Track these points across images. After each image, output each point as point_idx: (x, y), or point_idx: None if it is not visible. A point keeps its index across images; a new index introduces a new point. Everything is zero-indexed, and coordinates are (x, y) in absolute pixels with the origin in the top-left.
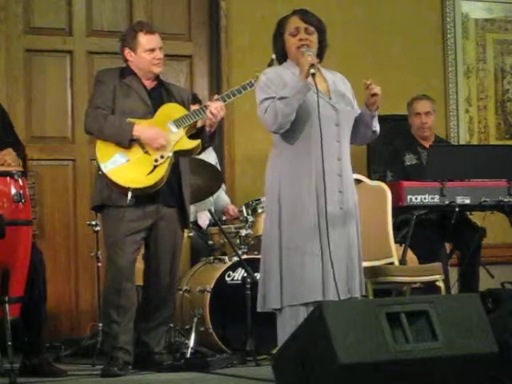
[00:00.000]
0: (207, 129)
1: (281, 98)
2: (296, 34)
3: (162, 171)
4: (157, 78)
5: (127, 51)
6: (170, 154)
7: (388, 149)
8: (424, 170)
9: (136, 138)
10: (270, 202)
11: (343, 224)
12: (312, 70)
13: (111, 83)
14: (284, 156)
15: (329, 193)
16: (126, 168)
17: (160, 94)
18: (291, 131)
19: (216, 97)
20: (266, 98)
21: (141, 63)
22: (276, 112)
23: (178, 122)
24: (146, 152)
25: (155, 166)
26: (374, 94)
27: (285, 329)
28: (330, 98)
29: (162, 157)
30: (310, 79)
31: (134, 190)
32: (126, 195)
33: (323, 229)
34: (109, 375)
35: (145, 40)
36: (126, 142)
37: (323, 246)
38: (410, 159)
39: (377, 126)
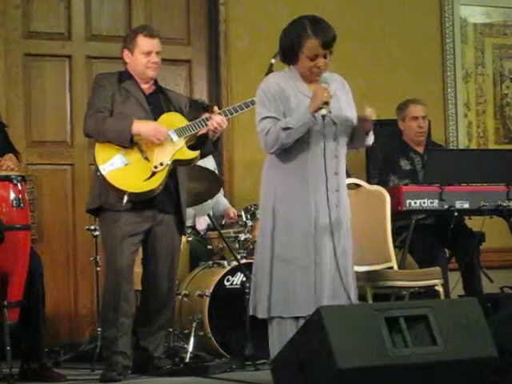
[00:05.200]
0: (210, 137)
1: (285, 129)
2: (314, 59)
3: (159, 178)
4: (155, 83)
5: (126, 52)
6: (169, 162)
7: (380, 154)
8: (418, 175)
9: (135, 133)
10: (264, 213)
11: (338, 237)
12: (323, 111)
13: (110, 87)
14: (280, 167)
15: (326, 207)
16: (123, 171)
17: (158, 99)
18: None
19: (218, 111)
20: (267, 117)
21: (136, 65)
22: (277, 139)
23: (179, 132)
24: (146, 158)
25: (154, 173)
26: (367, 120)
27: (273, 339)
28: (330, 112)
29: (161, 164)
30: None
31: (130, 195)
32: (122, 198)
33: (319, 242)
34: (108, 380)
35: (143, 42)
36: (127, 139)
37: (317, 259)
38: (404, 165)
39: (371, 140)
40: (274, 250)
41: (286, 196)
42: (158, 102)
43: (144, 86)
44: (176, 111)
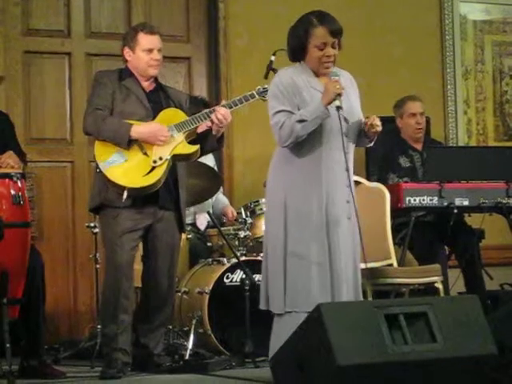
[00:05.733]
0: (214, 133)
1: (300, 121)
2: (323, 48)
3: (159, 173)
4: (155, 80)
5: (126, 50)
6: (169, 157)
7: (379, 151)
8: (417, 172)
9: (134, 138)
10: (274, 207)
11: (349, 233)
12: (337, 103)
13: (110, 85)
14: (292, 162)
15: (338, 203)
16: (123, 167)
17: (159, 97)
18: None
19: (222, 103)
20: (281, 111)
21: (138, 63)
22: (292, 132)
23: (178, 127)
24: (145, 153)
25: (153, 168)
26: (376, 131)
27: (283, 334)
28: (342, 108)
29: (160, 158)
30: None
31: (130, 190)
32: (122, 194)
33: (332, 237)
34: (108, 377)
35: (144, 40)
36: (125, 142)
37: (331, 254)
38: (403, 162)
39: (372, 143)
40: (287, 245)
41: (298, 191)
42: (159, 100)
43: (144, 84)
44: (176, 108)
